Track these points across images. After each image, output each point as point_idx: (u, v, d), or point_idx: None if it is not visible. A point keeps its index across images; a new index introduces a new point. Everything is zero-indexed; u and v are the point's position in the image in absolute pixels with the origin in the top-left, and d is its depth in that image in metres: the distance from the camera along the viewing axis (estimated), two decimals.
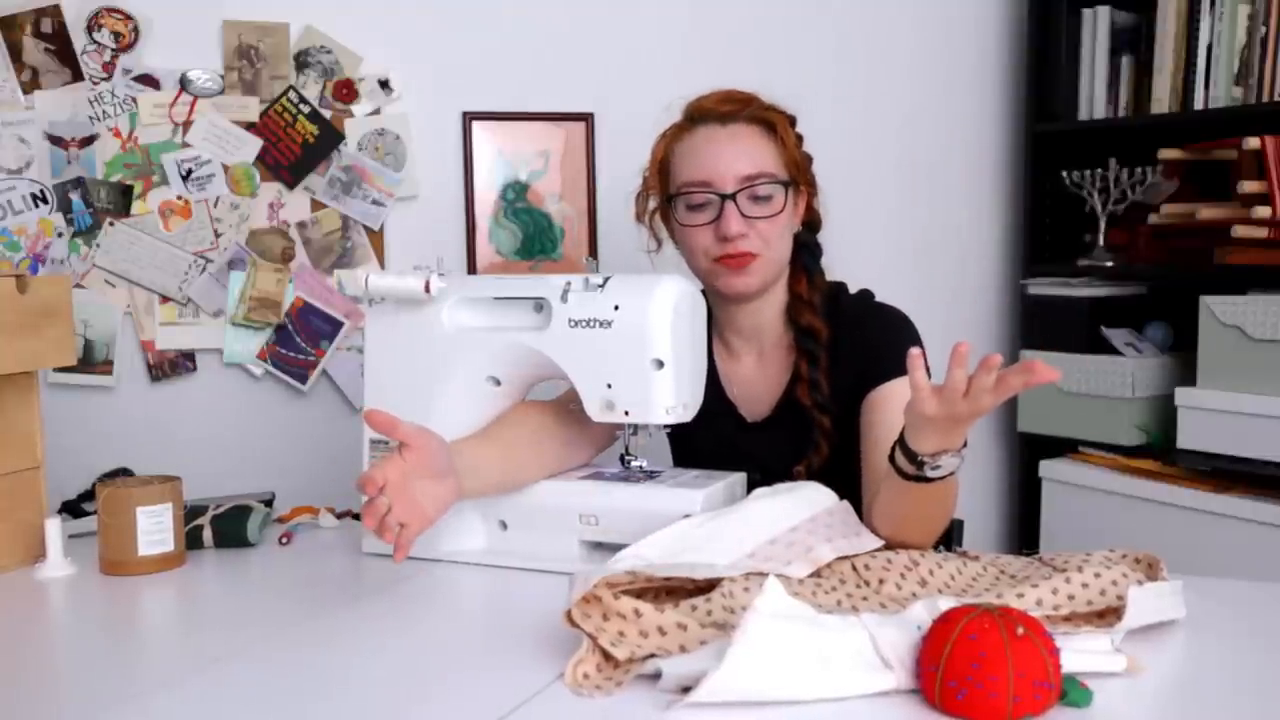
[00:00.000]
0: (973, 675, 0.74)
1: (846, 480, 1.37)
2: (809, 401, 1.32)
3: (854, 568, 1.07)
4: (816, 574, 1.05)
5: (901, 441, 1.06)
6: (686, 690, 0.79)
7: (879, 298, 1.42)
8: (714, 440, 1.37)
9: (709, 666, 0.78)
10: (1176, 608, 0.95)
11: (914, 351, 0.99)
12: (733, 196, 1.27)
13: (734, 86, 1.33)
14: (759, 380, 1.40)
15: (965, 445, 1.04)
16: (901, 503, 1.11)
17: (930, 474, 1.05)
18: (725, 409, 1.39)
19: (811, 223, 1.39)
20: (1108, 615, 0.94)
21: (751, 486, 1.30)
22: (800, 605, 0.82)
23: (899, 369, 1.27)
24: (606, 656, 0.86)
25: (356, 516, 1.39)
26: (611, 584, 0.90)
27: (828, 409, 1.32)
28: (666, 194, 1.34)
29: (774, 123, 1.30)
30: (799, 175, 1.33)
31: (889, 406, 1.25)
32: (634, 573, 0.92)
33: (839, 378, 1.32)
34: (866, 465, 1.26)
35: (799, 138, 1.35)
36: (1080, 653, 0.83)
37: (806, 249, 1.37)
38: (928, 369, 1.31)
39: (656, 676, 0.82)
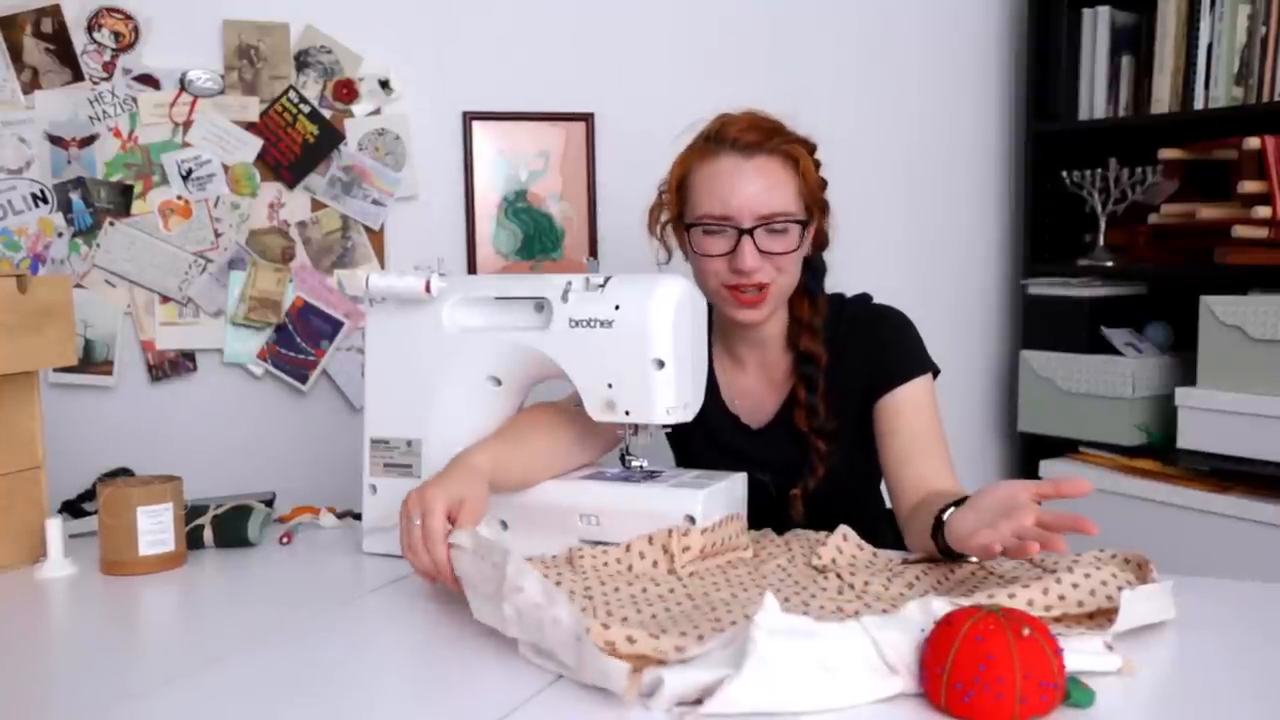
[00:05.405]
0: (979, 677, 0.74)
1: (847, 494, 1.37)
2: (805, 427, 1.33)
3: (838, 575, 1.07)
4: (803, 584, 1.06)
5: (942, 529, 1.08)
6: (682, 705, 0.77)
7: (879, 299, 1.42)
8: (717, 448, 1.37)
9: (709, 676, 0.77)
10: (1166, 609, 0.95)
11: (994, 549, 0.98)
12: (750, 232, 1.26)
13: (760, 109, 1.31)
14: (762, 390, 1.40)
15: None
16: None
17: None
18: (726, 418, 1.39)
19: (819, 243, 1.38)
20: (1098, 616, 0.94)
21: (761, 487, 1.30)
22: (799, 619, 0.80)
23: (906, 373, 1.30)
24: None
25: (357, 516, 1.39)
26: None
27: (824, 432, 1.33)
28: (681, 213, 1.33)
29: (797, 157, 1.29)
30: (815, 206, 1.32)
31: (903, 415, 1.29)
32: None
33: (845, 388, 1.33)
34: (891, 477, 1.30)
35: (817, 164, 1.33)
36: (1076, 653, 0.82)
37: (811, 269, 1.36)
38: (936, 372, 1.33)
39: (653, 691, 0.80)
